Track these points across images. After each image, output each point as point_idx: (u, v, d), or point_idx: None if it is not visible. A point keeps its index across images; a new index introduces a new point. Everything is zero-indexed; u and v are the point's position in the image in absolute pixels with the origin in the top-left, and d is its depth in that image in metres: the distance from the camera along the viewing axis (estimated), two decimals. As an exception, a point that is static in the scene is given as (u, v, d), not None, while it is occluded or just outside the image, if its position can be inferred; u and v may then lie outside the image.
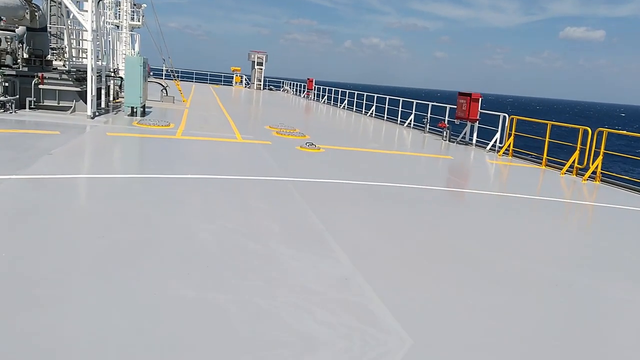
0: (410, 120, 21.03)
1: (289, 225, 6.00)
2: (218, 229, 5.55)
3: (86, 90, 14.09)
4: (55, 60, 16.62)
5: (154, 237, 5.19)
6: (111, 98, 18.10)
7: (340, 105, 30.81)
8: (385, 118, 23.96)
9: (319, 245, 5.35)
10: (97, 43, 14.91)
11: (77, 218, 5.61)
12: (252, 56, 43.88)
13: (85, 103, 14.25)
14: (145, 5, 30.42)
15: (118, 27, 28.45)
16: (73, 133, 11.49)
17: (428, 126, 19.14)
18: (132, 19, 30.04)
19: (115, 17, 28.80)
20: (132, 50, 24.19)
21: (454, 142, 16.87)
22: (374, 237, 5.94)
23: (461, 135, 16.99)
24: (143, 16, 30.91)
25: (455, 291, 4.55)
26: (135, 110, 15.68)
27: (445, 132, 17.18)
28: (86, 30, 13.76)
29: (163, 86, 22.68)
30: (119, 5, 27.48)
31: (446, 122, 17.38)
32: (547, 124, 13.59)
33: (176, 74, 28.08)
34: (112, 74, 18.47)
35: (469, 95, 16.10)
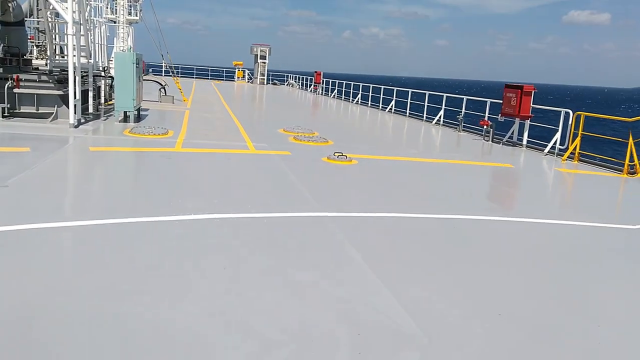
0: (440, 117, 18.78)
1: (360, 322, 3.68)
2: (252, 351, 3.21)
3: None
4: (37, 59, 14.36)
5: None
6: (102, 101, 15.98)
7: (353, 100, 28.63)
8: (407, 114, 21.77)
9: None
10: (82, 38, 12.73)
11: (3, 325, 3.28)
12: (255, 49, 42.23)
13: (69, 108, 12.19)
14: None
15: (114, 22, 26.83)
16: (46, 149, 9.26)
17: (463, 124, 16.91)
18: (130, 13, 28.28)
19: (112, 11, 27.10)
20: (124, 45, 21.87)
21: (498, 143, 14.59)
22: (497, 336, 3.67)
23: (508, 135, 14.65)
24: (141, 10, 28.96)
25: None
26: (128, 115, 13.64)
27: (487, 131, 14.98)
28: (67, 22, 11.53)
29: (161, 85, 20.69)
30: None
31: (487, 118, 15.18)
32: (627, 122, 11.70)
33: (175, 71, 25.97)
34: (102, 74, 16.26)
35: (520, 87, 13.84)
